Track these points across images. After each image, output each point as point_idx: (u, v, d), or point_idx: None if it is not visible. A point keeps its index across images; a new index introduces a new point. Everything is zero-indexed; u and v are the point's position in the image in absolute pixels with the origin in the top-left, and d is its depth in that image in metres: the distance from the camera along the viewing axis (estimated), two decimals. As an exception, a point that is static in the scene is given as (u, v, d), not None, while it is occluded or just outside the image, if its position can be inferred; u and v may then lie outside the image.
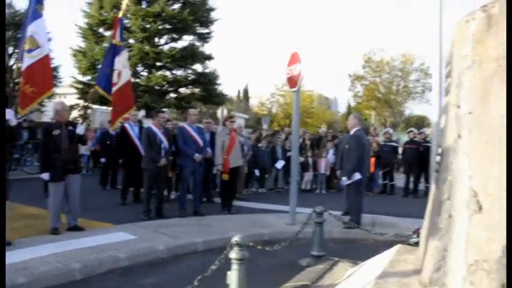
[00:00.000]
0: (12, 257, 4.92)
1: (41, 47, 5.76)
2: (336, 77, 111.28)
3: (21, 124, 14.28)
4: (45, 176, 6.08)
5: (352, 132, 7.45)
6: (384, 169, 12.44)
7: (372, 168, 11.01)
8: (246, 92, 55.94)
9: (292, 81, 7.45)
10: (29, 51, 5.67)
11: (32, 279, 4.36)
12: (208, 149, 8.29)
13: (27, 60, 5.67)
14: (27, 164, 13.71)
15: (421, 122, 43.34)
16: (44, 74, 5.92)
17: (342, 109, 62.22)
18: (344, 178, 7.29)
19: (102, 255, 5.15)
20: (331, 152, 12.56)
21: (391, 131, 14.22)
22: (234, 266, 3.42)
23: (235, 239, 3.41)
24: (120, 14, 7.35)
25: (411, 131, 12.95)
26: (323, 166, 12.29)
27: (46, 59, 5.88)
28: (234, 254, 3.41)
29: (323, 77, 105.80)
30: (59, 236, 5.95)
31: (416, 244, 4.57)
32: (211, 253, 5.64)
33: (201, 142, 7.87)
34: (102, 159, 11.21)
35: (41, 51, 5.76)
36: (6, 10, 30.78)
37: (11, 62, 31.26)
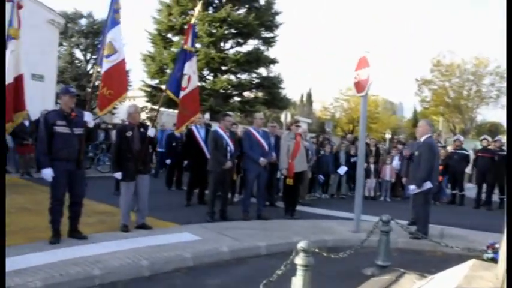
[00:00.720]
0: (86, 250, 5.22)
1: (117, 52, 6.06)
2: (402, 82, 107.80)
3: (99, 125, 15.11)
4: (118, 175, 6.37)
5: (422, 139, 7.15)
6: (452, 178, 11.88)
7: (440, 177, 10.55)
8: (309, 96, 55.63)
9: (360, 86, 7.31)
10: (107, 56, 5.98)
11: (105, 272, 4.58)
12: (273, 153, 8.32)
13: (106, 65, 5.99)
14: (100, 163, 14.42)
15: (494, 129, 40.99)
16: (120, 78, 6.22)
17: (408, 114, 60.26)
18: (413, 187, 7.00)
19: (169, 254, 5.31)
20: (396, 158, 12.18)
21: (461, 138, 13.54)
22: (299, 272, 3.40)
23: (301, 244, 3.38)
24: (193, 20, 7.55)
25: (484, 139, 12.28)
26: (388, 173, 11.95)
27: (122, 63, 6.18)
28: (299, 260, 3.39)
29: (388, 82, 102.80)
30: (128, 233, 6.20)
31: (492, 260, 4.31)
32: (274, 257, 5.65)
33: (266, 146, 7.91)
34: (168, 161, 11.57)
35: (117, 56, 6.07)
36: (86, 20, 32.82)
37: (88, 67, 33.26)
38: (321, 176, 11.35)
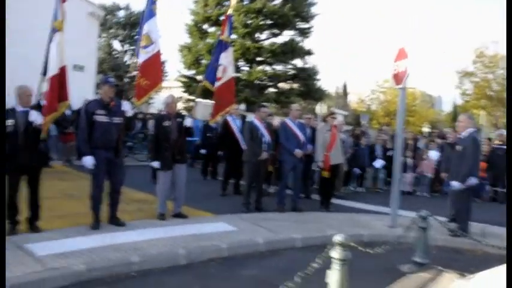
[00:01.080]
0: (124, 237, 5.35)
1: (154, 44, 6.15)
2: (441, 74, 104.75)
3: (136, 115, 15.41)
4: (155, 164, 6.49)
5: (464, 133, 6.91)
6: (494, 174, 11.47)
7: (483, 174, 10.21)
8: (344, 88, 54.87)
9: (398, 78, 7.14)
10: (145, 47, 6.08)
11: (143, 259, 4.68)
12: (309, 145, 8.27)
13: (143, 56, 6.09)
14: (137, 152, 14.72)
15: (542, 124, 39.18)
16: (155, 69, 6.32)
17: (447, 108, 58.53)
18: (455, 182, 6.78)
19: (205, 243, 5.37)
20: (434, 153, 11.87)
21: (504, 133, 13.03)
22: (335, 266, 3.38)
23: (338, 238, 3.35)
24: (230, 11, 7.56)
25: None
26: (426, 168, 11.67)
27: (158, 54, 6.27)
28: (335, 254, 3.36)
29: (426, 74, 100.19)
30: (165, 221, 6.32)
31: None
32: (309, 250, 5.63)
33: (302, 138, 7.86)
34: (203, 151, 11.68)
35: (154, 47, 6.15)
36: (124, 12, 33.43)
37: (126, 58, 33.91)
38: (356, 169, 11.21)
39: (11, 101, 5.24)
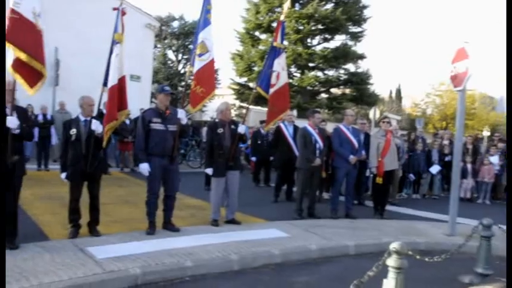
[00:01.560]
0: (179, 242, 5.45)
1: (209, 52, 6.27)
2: (503, 74, 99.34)
3: (192, 122, 15.78)
4: (209, 170, 6.59)
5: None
6: None
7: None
8: (398, 92, 53.45)
9: (458, 80, 6.86)
10: (200, 55, 6.21)
11: (196, 264, 4.75)
12: (363, 151, 8.11)
13: (198, 64, 6.22)
14: (190, 158, 15.03)
15: None
16: (210, 76, 6.43)
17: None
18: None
19: (257, 249, 5.38)
20: (496, 158, 11.29)
21: None
22: (391, 275, 3.27)
23: (395, 246, 3.25)
24: (282, 17, 7.58)
25: None
26: (487, 173, 11.12)
27: (212, 62, 6.38)
28: (392, 262, 3.26)
29: (487, 74, 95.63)
30: (218, 228, 6.39)
31: None
32: (364, 258, 5.52)
33: (356, 143, 7.72)
34: (253, 158, 11.75)
35: (209, 55, 6.27)
36: (178, 22, 34.38)
37: (180, 67, 34.84)
38: (411, 175, 10.86)
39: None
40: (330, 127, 11.20)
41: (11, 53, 4.61)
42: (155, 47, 30.01)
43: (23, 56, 4.64)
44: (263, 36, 26.08)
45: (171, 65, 35.45)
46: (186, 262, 4.73)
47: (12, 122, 4.62)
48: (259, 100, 11.18)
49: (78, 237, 5.36)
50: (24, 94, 4.90)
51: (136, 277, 4.30)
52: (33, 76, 4.80)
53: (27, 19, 4.70)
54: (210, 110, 24.48)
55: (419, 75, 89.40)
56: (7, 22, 4.57)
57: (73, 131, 5.37)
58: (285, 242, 5.78)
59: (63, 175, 5.46)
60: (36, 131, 10.75)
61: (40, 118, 11.72)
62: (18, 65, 4.66)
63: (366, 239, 6.19)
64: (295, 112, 18.78)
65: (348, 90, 27.00)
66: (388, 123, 8.23)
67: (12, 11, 4.62)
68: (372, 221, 7.62)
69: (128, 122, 12.26)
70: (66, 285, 3.89)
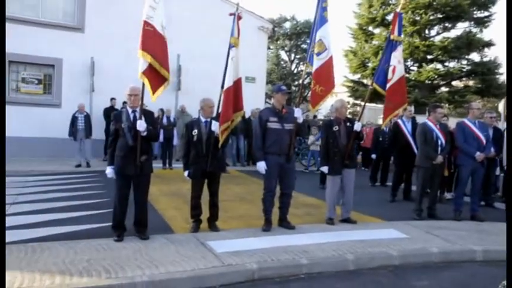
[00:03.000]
0: (294, 239, 5.50)
1: (327, 50, 6.25)
2: None
3: (308, 122, 15.86)
4: (325, 169, 6.56)
5: None
6: None
7: None
8: (534, 81, 47.98)
9: None
10: (318, 54, 6.21)
11: (312, 262, 4.76)
12: (492, 148, 7.42)
13: (317, 63, 6.22)
14: (305, 157, 15.08)
15: None
16: (329, 74, 6.40)
17: None
18: None
19: (374, 250, 5.22)
20: None
21: None
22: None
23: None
24: (399, 8, 7.28)
25: None
26: None
27: (330, 60, 6.35)
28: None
29: None
30: (333, 226, 6.33)
31: None
32: (492, 265, 5.08)
33: (483, 139, 7.09)
34: (373, 156, 11.38)
35: (327, 53, 6.25)
36: (290, 23, 34.73)
37: (293, 67, 35.19)
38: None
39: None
40: (452, 122, 10.45)
41: (144, 61, 5.10)
42: (268, 48, 30.63)
43: (156, 65, 5.11)
44: (377, 31, 25.16)
45: (284, 65, 35.92)
46: (301, 259, 4.77)
47: (141, 125, 5.09)
48: (374, 97, 10.78)
49: (199, 232, 5.68)
50: (154, 100, 5.35)
51: (253, 272, 4.44)
52: (158, 83, 5.24)
53: (158, 31, 5.17)
54: (324, 108, 24.33)
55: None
56: (141, 33, 5.07)
57: (195, 132, 5.72)
58: (404, 243, 5.53)
59: (186, 173, 5.83)
60: (160, 132, 11.65)
61: (164, 121, 12.69)
62: (149, 72, 5.13)
63: (495, 245, 5.64)
64: (412, 108, 17.88)
65: (471, 82, 24.85)
66: None
67: (146, 23, 5.11)
68: (501, 224, 6.90)
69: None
70: (189, 275, 4.17)
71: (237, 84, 5.89)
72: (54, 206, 7.06)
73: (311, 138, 13.58)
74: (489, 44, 23.76)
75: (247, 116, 12.91)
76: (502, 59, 24.71)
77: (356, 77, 26.38)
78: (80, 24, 14.17)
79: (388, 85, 6.95)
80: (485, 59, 24.01)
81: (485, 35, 23.85)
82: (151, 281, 3.98)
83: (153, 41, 5.15)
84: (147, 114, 5.37)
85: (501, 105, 21.51)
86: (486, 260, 5.37)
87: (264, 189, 6.02)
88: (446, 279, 4.73)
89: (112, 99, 13.35)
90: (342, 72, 40.51)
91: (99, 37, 13.97)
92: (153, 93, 5.20)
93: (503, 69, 24.48)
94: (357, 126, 6.48)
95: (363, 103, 7.87)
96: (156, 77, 5.20)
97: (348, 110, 25.80)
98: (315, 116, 21.23)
